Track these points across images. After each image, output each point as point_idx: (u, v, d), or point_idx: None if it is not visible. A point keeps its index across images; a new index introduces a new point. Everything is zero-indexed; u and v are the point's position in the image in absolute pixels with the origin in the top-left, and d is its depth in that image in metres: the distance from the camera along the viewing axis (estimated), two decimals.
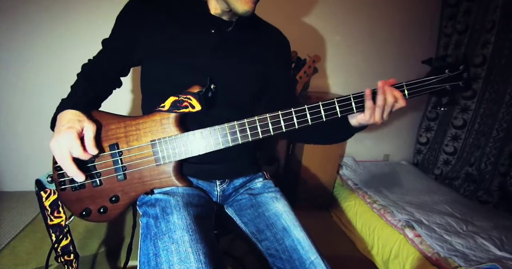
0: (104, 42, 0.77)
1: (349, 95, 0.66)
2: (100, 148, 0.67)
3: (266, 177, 0.89)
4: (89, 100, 0.71)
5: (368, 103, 0.66)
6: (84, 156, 0.61)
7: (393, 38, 2.12)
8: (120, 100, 1.79)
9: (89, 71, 0.76)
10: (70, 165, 0.60)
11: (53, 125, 0.66)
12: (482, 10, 1.87)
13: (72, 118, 0.62)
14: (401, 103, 0.66)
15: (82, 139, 0.62)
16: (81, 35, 1.67)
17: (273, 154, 1.81)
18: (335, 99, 0.66)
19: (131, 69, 0.83)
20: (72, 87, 0.72)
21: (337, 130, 0.77)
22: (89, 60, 0.79)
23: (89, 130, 0.62)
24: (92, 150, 0.62)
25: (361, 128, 0.73)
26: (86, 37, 1.66)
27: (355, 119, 0.71)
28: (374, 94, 0.66)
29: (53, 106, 0.68)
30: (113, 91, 0.83)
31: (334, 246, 1.63)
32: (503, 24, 1.76)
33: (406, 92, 0.66)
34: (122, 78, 0.83)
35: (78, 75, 0.75)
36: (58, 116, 0.64)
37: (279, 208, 0.76)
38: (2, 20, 1.60)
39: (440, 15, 2.12)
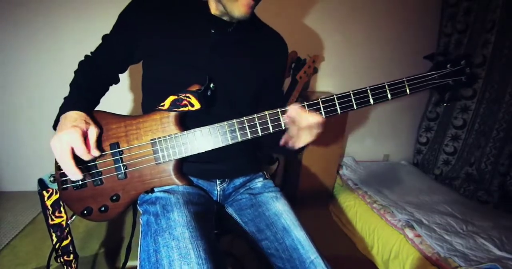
0: (105, 38, 0.77)
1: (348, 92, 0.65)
2: (101, 148, 0.67)
3: (266, 177, 0.89)
4: (90, 99, 0.72)
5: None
6: (86, 156, 0.62)
7: (393, 38, 2.12)
8: (121, 99, 1.79)
9: (87, 68, 0.76)
10: (68, 162, 0.60)
11: (55, 125, 0.66)
12: (482, 10, 1.87)
13: (78, 118, 0.63)
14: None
15: (84, 139, 0.62)
16: (83, 36, 1.67)
17: (273, 154, 1.81)
18: (334, 96, 0.65)
19: (132, 69, 0.83)
20: (71, 85, 0.72)
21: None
22: (86, 56, 0.78)
23: (94, 132, 0.64)
24: (95, 152, 0.64)
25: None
26: (88, 37, 1.64)
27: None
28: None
29: (54, 106, 0.68)
30: (112, 88, 0.83)
31: (334, 246, 1.63)
32: (503, 24, 1.76)
33: (322, 110, 0.65)
34: (122, 78, 0.83)
35: (76, 72, 0.75)
36: (62, 116, 0.65)
37: (279, 208, 0.76)
38: (3, 21, 1.61)
39: (440, 15, 2.12)
